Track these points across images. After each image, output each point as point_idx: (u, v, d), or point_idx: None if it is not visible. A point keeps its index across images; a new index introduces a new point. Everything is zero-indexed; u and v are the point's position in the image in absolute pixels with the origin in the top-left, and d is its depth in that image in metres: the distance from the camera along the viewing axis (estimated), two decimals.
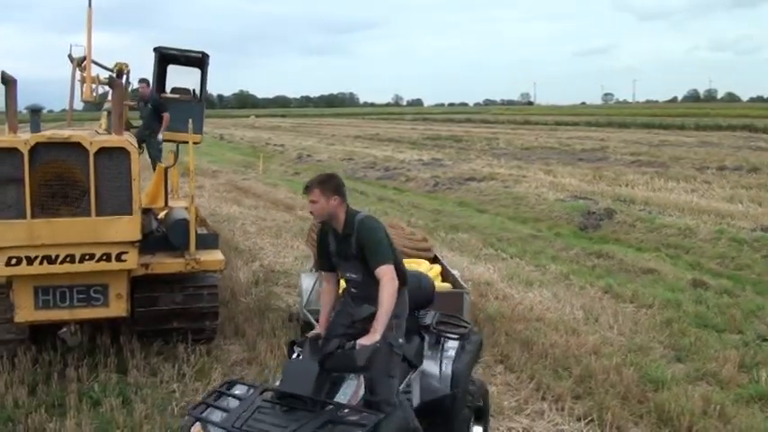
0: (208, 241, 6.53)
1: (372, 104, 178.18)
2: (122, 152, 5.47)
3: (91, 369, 5.96)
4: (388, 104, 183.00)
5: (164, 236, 6.36)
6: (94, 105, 10.78)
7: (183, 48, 10.51)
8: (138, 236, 5.61)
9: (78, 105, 10.91)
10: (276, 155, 30.44)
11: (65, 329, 5.94)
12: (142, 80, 11.51)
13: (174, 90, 11.07)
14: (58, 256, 5.44)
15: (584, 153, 27.78)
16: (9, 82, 5.63)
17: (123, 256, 5.58)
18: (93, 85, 9.76)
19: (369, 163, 25.25)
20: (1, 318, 6.11)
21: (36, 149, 5.30)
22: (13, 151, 5.26)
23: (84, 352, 6.28)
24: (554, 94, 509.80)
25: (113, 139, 5.60)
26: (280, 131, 51.56)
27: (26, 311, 5.73)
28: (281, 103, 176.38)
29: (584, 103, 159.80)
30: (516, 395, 5.62)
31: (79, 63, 9.79)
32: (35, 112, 6.25)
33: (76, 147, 5.39)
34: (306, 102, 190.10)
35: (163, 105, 10.82)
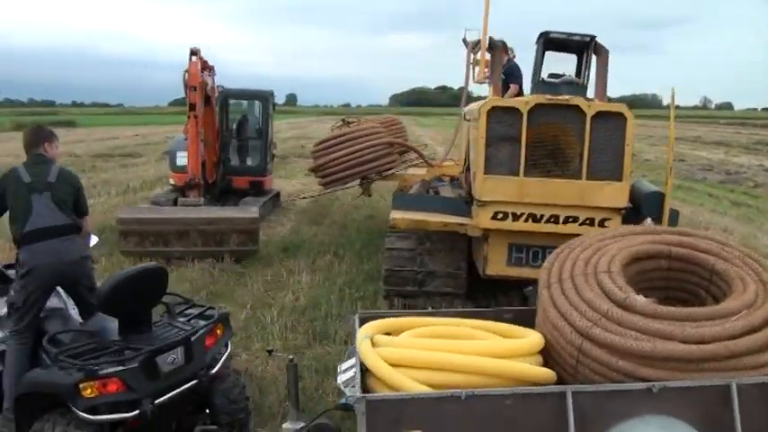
0: (673, 217, 6.33)
1: (677, 107, 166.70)
2: (620, 117, 5.46)
3: None
4: (695, 107, 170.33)
5: (632, 207, 6.27)
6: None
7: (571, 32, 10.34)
8: (624, 203, 5.58)
9: (472, 86, 11.34)
10: None
11: (530, 288, 6.13)
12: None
13: (551, 76, 10.97)
14: (542, 216, 5.61)
15: None
16: (497, 47, 5.89)
17: (606, 223, 5.57)
18: (486, 69, 10.06)
19: (704, 165, 23.92)
20: (445, 271, 6.50)
21: (534, 111, 5.50)
22: (513, 111, 5.51)
23: None
24: None
25: (611, 104, 5.62)
26: None
27: (498, 266, 6.01)
28: None
29: None
30: None
31: (473, 47, 10.15)
32: None
33: (574, 110, 5.48)
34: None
35: (514, 75, 10.50)
